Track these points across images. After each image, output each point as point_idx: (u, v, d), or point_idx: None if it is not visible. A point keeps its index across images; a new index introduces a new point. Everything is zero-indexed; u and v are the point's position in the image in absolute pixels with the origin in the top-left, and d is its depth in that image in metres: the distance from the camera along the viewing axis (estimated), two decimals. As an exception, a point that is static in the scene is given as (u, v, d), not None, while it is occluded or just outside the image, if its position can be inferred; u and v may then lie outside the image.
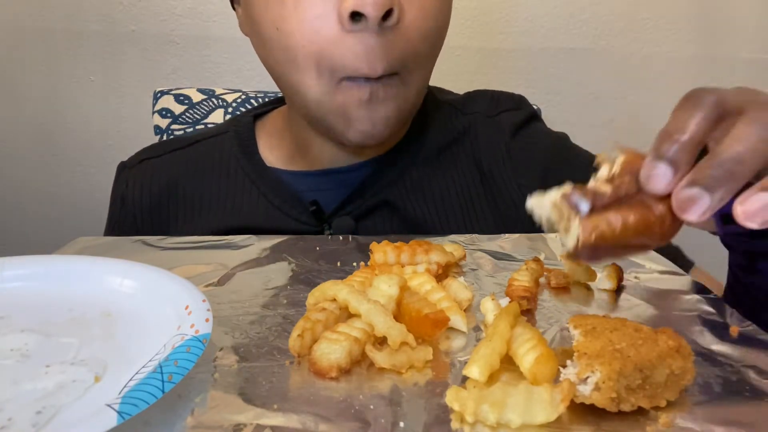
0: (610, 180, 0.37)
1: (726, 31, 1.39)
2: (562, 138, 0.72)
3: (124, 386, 0.30)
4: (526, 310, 0.41)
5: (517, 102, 0.73)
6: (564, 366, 0.31)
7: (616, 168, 0.37)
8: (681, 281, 0.46)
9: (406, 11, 0.54)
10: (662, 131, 0.34)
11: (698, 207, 0.32)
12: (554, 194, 0.37)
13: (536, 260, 0.45)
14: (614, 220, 0.35)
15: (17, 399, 0.30)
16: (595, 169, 0.41)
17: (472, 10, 1.35)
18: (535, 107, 1.00)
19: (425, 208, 0.64)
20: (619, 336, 0.31)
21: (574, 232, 0.36)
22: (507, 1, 1.36)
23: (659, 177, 0.33)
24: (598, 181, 0.37)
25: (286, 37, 0.55)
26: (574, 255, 0.37)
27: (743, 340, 0.37)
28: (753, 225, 0.31)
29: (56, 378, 0.31)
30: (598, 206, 0.35)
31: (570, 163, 0.67)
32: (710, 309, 0.41)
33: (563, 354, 0.34)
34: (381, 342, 0.35)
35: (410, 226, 0.64)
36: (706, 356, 0.35)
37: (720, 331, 0.38)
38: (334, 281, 0.38)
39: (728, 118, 0.33)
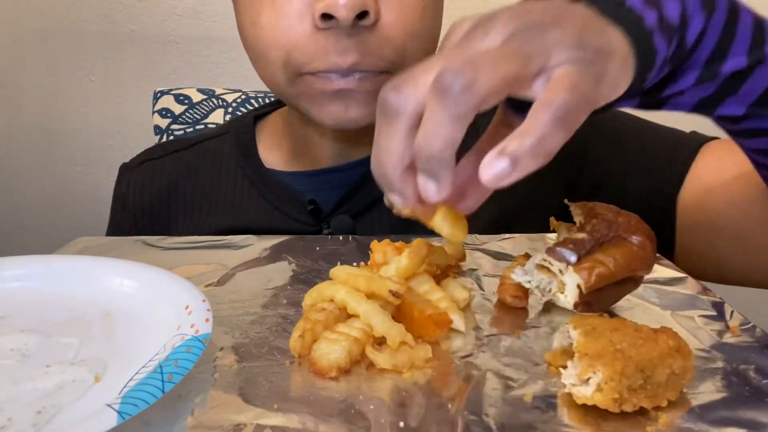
0: (581, 229, 0.39)
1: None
2: None
3: (124, 386, 0.30)
4: (520, 308, 0.41)
5: None
6: (564, 367, 0.31)
7: (580, 218, 0.40)
8: (681, 281, 0.46)
9: (384, 12, 0.53)
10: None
11: (427, 190, 0.32)
12: (535, 258, 0.39)
13: (527, 256, 0.45)
14: (604, 258, 0.37)
15: (17, 399, 0.30)
16: (554, 231, 0.43)
17: (471, 11, 1.35)
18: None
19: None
20: (620, 336, 0.31)
21: (573, 283, 0.38)
22: (507, 1, 1.35)
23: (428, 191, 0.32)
24: (571, 232, 0.39)
25: (260, 31, 0.55)
26: (583, 304, 0.38)
27: (743, 340, 0.37)
28: (498, 186, 0.30)
29: (56, 378, 0.31)
30: (582, 253, 0.37)
31: (565, 154, 0.68)
32: (710, 309, 0.41)
33: (563, 354, 0.34)
34: (380, 342, 0.35)
35: (409, 222, 0.64)
36: (706, 356, 0.35)
37: (720, 331, 0.38)
38: (331, 282, 0.38)
39: None
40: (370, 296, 0.36)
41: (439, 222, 0.36)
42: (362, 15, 0.51)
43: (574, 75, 0.30)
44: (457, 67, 0.29)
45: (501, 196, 0.71)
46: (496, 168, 0.29)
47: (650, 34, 0.34)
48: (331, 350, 0.33)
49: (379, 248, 0.44)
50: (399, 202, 0.34)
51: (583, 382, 0.30)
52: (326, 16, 0.51)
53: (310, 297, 0.38)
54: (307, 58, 0.54)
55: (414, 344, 0.34)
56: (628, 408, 0.29)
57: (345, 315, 0.37)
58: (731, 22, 0.38)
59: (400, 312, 0.37)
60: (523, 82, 0.31)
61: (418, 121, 0.31)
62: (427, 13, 0.57)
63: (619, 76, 0.33)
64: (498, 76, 0.29)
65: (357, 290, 0.37)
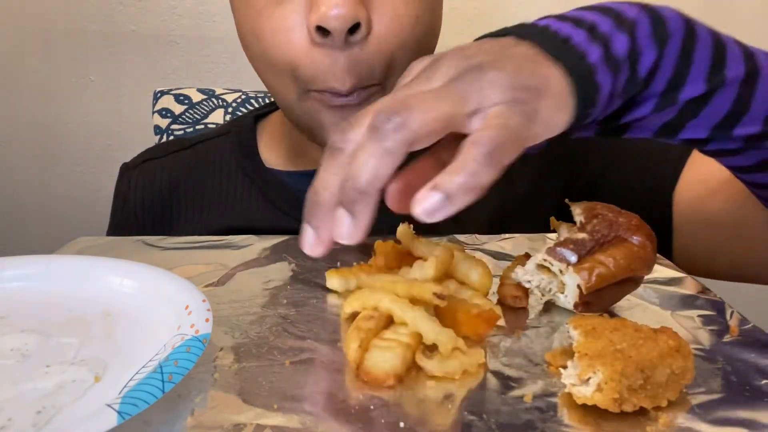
0: (582, 228, 0.39)
1: (726, 31, 1.39)
2: None
3: (124, 386, 0.30)
4: (520, 308, 0.41)
5: None
6: (564, 367, 0.31)
7: (580, 218, 0.40)
8: (681, 281, 0.46)
9: (375, 23, 0.53)
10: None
11: (342, 226, 0.32)
12: (536, 258, 0.40)
13: (527, 256, 0.45)
14: (604, 259, 0.37)
15: (17, 399, 0.30)
16: (554, 231, 0.43)
17: (472, 10, 1.35)
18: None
19: None
20: (620, 336, 0.31)
21: (573, 283, 0.38)
22: (507, 1, 1.36)
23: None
24: (571, 232, 0.39)
25: (263, 46, 0.55)
26: (583, 305, 0.38)
27: (743, 340, 0.37)
28: (431, 220, 0.31)
29: (56, 378, 0.31)
30: (583, 254, 0.37)
31: (561, 152, 0.68)
32: (710, 309, 0.41)
33: (563, 354, 0.34)
34: (430, 349, 0.34)
35: (408, 222, 0.64)
36: (706, 356, 0.35)
37: (720, 331, 0.38)
38: (369, 290, 0.37)
39: None
40: (412, 302, 0.35)
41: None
42: (354, 28, 0.51)
43: (505, 114, 0.31)
44: (390, 107, 0.31)
45: (500, 196, 0.72)
46: (430, 202, 0.30)
47: (593, 70, 0.35)
48: (386, 358, 0.32)
49: (383, 249, 0.44)
50: (310, 236, 0.34)
51: (583, 382, 0.30)
52: (320, 29, 0.51)
53: (351, 306, 0.37)
54: (310, 76, 0.54)
55: (466, 349, 0.34)
56: (628, 408, 0.29)
57: (389, 322, 0.36)
58: (687, 49, 0.38)
59: (439, 317, 0.36)
60: (458, 122, 0.32)
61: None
62: (420, 20, 0.55)
63: (554, 113, 0.34)
64: (430, 116, 0.31)
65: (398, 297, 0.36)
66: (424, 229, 0.43)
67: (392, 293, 0.36)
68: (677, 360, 0.30)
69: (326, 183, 0.33)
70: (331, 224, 0.33)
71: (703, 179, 0.59)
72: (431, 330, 0.33)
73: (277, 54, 0.55)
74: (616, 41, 0.36)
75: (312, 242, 0.34)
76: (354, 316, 0.37)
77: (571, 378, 0.30)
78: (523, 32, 0.37)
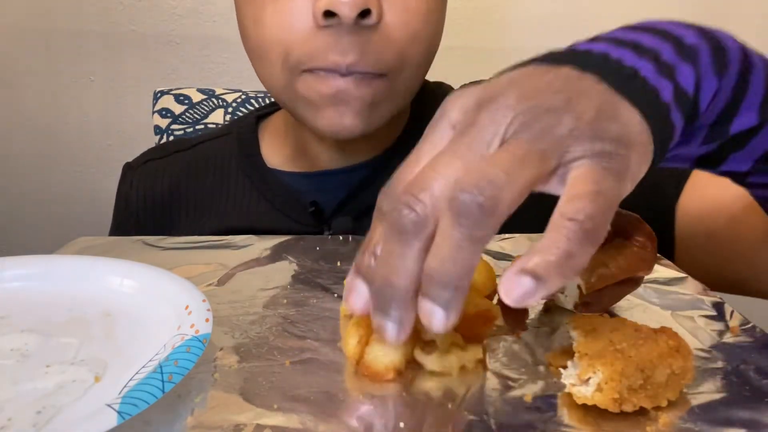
0: None
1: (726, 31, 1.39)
2: None
3: (124, 386, 0.30)
4: (519, 309, 0.41)
5: None
6: (564, 367, 0.31)
7: None
8: (681, 281, 0.46)
9: (387, 11, 0.53)
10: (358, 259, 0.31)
11: (388, 331, 0.29)
12: None
13: None
14: (605, 259, 0.37)
15: (17, 399, 0.30)
16: None
17: (472, 10, 1.35)
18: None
19: None
20: (620, 336, 0.31)
21: (573, 283, 0.38)
22: (507, 1, 1.36)
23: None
24: None
25: (262, 29, 0.55)
26: (583, 305, 0.38)
27: (743, 340, 0.37)
28: (522, 306, 0.27)
29: (56, 378, 0.31)
30: None
31: None
32: (710, 309, 0.41)
33: (563, 354, 0.34)
34: (428, 345, 0.34)
35: None
36: (706, 356, 0.35)
37: (720, 331, 0.38)
38: None
39: None
40: None
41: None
42: (364, 14, 0.51)
43: (594, 176, 0.27)
44: (473, 184, 0.26)
45: None
46: (521, 289, 0.26)
47: (667, 110, 0.31)
48: (386, 352, 0.32)
49: None
50: (394, 329, 0.29)
51: (583, 382, 0.30)
52: (328, 14, 0.51)
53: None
54: (306, 55, 0.53)
55: (464, 345, 0.34)
56: (627, 408, 0.29)
57: None
58: (744, 78, 0.35)
59: None
60: (540, 184, 0.28)
61: (431, 241, 0.28)
62: (431, 16, 0.56)
63: (641, 166, 0.29)
64: (517, 189, 0.26)
65: None
66: None
67: None
68: (677, 360, 0.30)
69: (400, 271, 0.28)
70: (413, 313, 0.29)
71: (706, 192, 0.58)
72: None
73: (274, 37, 0.54)
74: (682, 73, 0.32)
75: (397, 335, 0.29)
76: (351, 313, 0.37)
77: (571, 378, 0.30)
78: (580, 61, 0.31)
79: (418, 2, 0.54)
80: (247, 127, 0.74)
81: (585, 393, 0.29)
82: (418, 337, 0.34)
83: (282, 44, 0.54)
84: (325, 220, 0.64)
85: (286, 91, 0.57)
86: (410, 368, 0.34)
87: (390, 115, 0.59)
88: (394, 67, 0.55)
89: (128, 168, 0.77)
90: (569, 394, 0.30)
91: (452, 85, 0.78)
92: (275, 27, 0.54)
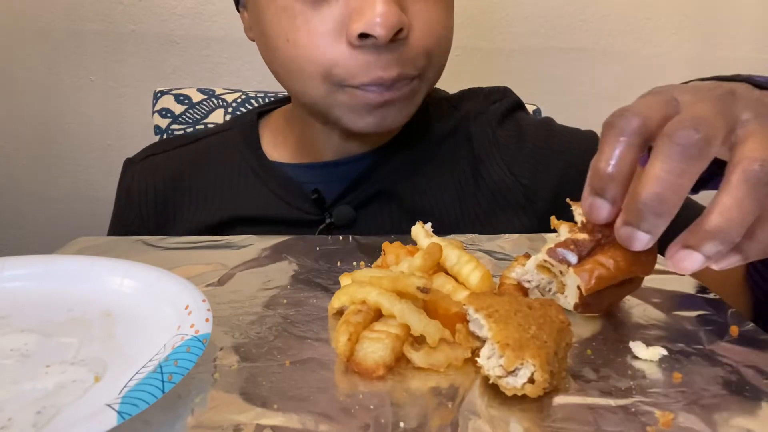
0: (583, 228, 0.39)
1: (726, 31, 1.39)
2: (547, 123, 0.73)
3: (124, 386, 0.30)
4: None
5: (502, 92, 0.76)
6: (477, 356, 0.32)
7: (582, 217, 0.40)
8: (681, 281, 0.46)
9: (413, 22, 0.56)
10: (593, 165, 0.35)
11: (638, 242, 0.34)
12: (536, 258, 0.39)
13: (527, 256, 0.45)
14: (605, 260, 0.37)
15: (17, 399, 0.30)
16: (555, 231, 0.43)
17: (472, 10, 1.35)
18: (535, 107, 1.00)
19: (422, 196, 0.67)
20: (524, 318, 0.32)
21: (573, 284, 0.38)
22: (507, 0, 1.36)
23: (599, 209, 0.36)
24: (572, 231, 0.39)
25: (296, 50, 0.57)
26: (583, 306, 0.38)
27: (743, 340, 0.37)
28: (686, 273, 0.34)
29: (56, 378, 0.31)
30: (583, 254, 0.37)
31: (558, 148, 0.69)
32: (710, 309, 0.41)
33: (470, 336, 0.35)
34: (417, 341, 0.35)
35: (408, 214, 0.66)
36: (706, 356, 0.35)
37: (720, 331, 0.38)
38: (357, 284, 0.37)
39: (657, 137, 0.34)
40: (398, 296, 0.36)
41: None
42: (397, 32, 0.54)
43: (761, 138, 0.33)
44: (692, 123, 0.32)
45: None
46: (693, 261, 0.33)
47: None
48: (375, 349, 0.33)
49: (392, 250, 0.44)
50: (606, 208, 0.35)
51: (510, 374, 0.30)
52: (363, 35, 0.53)
53: (339, 300, 0.38)
54: (348, 73, 0.56)
55: (453, 341, 0.34)
56: (547, 390, 0.30)
57: (378, 315, 0.36)
58: None
59: (427, 311, 0.36)
60: (722, 142, 0.34)
61: (642, 149, 0.34)
62: (448, 21, 0.61)
63: None
64: (716, 131, 0.32)
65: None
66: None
67: (379, 287, 0.36)
68: (568, 333, 0.32)
69: (621, 166, 0.34)
70: (665, 227, 0.34)
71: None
72: (418, 321, 0.34)
73: (310, 57, 0.56)
74: None
75: (608, 213, 0.35)
76: (341, 311, 0.38)
77: (495, 370, 0.31)
78: (735, 80, 0.39)
79: (438, 10, 0.58)
80: (248, 123, 0.75)
81: (514, 384, 0.30)
82: (409, 334, 0.35)
83: (319, 64, 0.56)
84: (326, 209, 0.66)
85: (324, 101, 0.59)
86: (409, 368, 0.34)
87: (418, 106, 0.63)
88: (423, 67, 0.59)
89: (129, 162, 0.78)
90: (569, 394, 0.30)
91: (452, 84, 0.79)
92: (311, 47, 0.56)
